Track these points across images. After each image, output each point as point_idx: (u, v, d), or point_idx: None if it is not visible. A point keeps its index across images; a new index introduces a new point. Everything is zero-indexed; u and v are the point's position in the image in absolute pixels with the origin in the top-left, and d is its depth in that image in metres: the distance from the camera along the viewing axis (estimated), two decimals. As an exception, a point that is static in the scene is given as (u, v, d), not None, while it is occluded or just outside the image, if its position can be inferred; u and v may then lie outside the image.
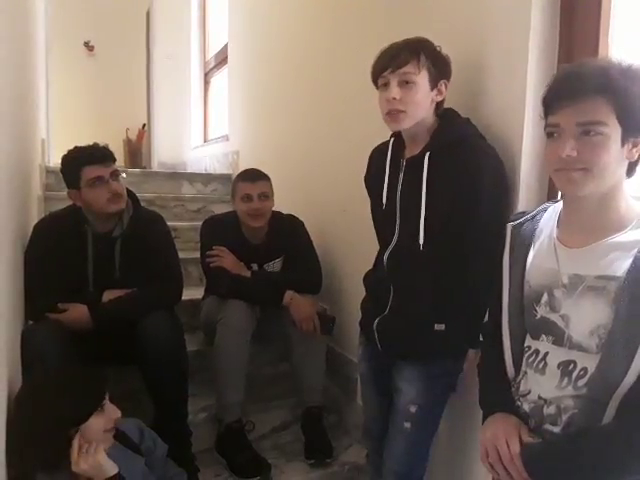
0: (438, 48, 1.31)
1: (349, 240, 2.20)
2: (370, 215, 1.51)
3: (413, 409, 1.36)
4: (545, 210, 1.09)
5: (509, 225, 1.10)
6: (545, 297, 1.00)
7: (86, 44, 6.49)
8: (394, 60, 1.26)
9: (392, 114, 1.28)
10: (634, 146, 0.91)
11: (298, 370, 2.04)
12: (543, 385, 1.00)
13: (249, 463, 1.84)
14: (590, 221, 0.96)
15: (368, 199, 1.52)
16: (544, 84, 1.27)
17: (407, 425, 1.37)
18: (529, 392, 1.03)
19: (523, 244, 1.07)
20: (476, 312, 1.34)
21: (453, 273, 1.32)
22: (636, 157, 0.92)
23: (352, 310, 1.57)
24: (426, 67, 1.26)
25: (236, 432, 1.89)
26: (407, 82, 1.26)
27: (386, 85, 1.28)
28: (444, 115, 1.34)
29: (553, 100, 0.94)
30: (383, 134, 1.47)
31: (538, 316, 1.02)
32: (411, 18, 1.70)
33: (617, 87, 0.87)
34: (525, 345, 1.06)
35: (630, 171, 0.95)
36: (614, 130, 0.89)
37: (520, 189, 1.31)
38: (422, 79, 1.27)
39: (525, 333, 1.06)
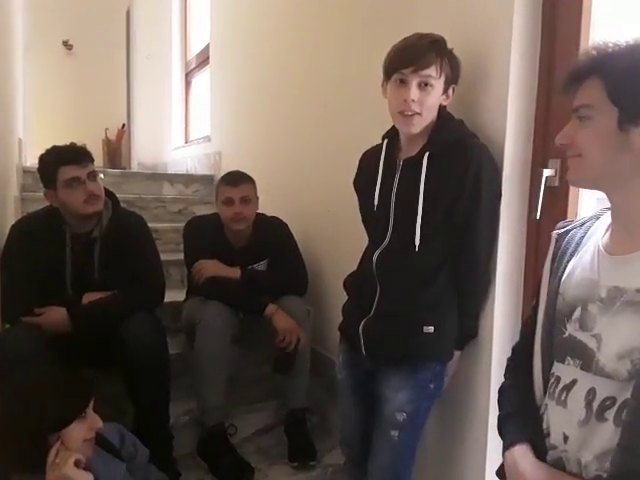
0: (451, 49, 1.28)
1: (334, 242, 2.19)
2: (355, 217, 1.50)
3: (400, 417, 1.32)
4: (598, 218, 0.93)
5: (554, 233, 0.97)
6: (577, 312, 0.85)
7: (65, 43, 6.41)
8: (419, 60, 1.20)
9: (406, 115, 1.25)
10: None
11: (282, 372, 2.02)
12: (564, 422, 0.84)
13: (232, 467, 1.83)
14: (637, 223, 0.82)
15: (353, 201, 1.51)
16: (525, 89, 1.29)
17: (394, 433, 1.33)
18: (548, 433, 0.87)
19: (566, 253, 0.92)
20: (467, 313, 1.35)
21: (446, 274, 1.32)
22: None
23: (337, 311, 1.55)
24: (445, 72, 1.24)
25: (218, 435, 1.87)
26: (426, 84, 1.23)
27: (403, 82, 1.23)
28: (440, 116, 1.31)
29: None
30: (368, 134, 1.48)
31: (566, 334, 0.87)
32: (395, 23, 1.70)
33: None
34: (551, 371, 0.90)
35: None
36: None
37: (503, 188, 1.32)
38: (439, 83, 1.24)
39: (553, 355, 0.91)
